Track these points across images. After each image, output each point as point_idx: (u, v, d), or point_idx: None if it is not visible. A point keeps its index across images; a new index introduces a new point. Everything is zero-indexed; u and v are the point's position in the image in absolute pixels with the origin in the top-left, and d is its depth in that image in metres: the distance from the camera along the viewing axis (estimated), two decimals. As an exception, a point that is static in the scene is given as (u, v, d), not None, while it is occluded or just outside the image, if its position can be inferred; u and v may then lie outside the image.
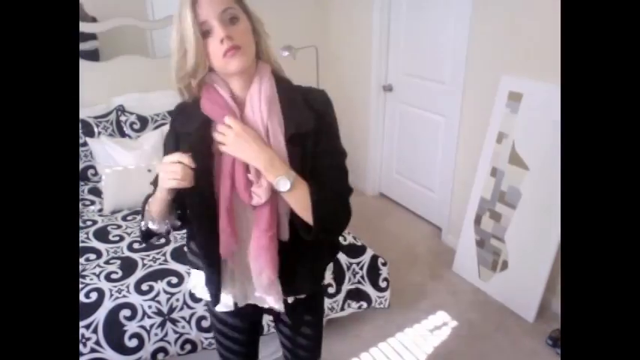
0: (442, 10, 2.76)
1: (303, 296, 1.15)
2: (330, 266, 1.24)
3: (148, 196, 1.09)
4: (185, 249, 1.19)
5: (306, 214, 0.97)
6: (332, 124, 1.04)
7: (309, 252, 1.07)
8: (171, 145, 1.07)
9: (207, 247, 1.03)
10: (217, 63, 0.95)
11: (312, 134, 0.99)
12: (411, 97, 3.18)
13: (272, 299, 1.06)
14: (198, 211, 1.02)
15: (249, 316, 1.23)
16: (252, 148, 0.95)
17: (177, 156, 0.94)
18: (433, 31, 2.87)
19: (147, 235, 1.11)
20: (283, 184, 0.94)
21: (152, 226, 1.06)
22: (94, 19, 2.96)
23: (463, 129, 2.74)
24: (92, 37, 3.00)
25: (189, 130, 1.01)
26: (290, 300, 1.14)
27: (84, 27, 2.83)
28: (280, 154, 0.97)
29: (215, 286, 1.07)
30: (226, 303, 1.15)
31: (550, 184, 2.14)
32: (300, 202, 0.97)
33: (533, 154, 2.22)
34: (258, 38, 1.00)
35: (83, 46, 2.97)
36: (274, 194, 0.97)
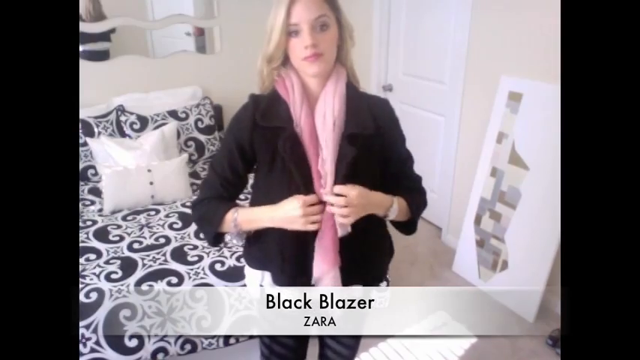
0: (442, 10, 2.76)
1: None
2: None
3: (220, 213, 1.09)
4: (230, 240, 1.17)
5: (404, 218, 1.12)
6: (400, 131, 1.16)
7: (371, 247, 1.14)
8: (246, 134, 1.06)
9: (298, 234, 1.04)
10: (297, 63, 1.01)
11: (374, 141, 1.05)
12: (410, 97, 3.18)
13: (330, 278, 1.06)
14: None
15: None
16: (375, 202, 1.04)
17: (315, 197, 0.99)
18: (433, 31, 2.87)
19: (217, 241, 1.16)
20: (393, 212, 1.07)
21: (236, 240, 1.12)
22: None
23: (463, 129, 2.74)
24: (105, 37, 3.01)
25: (274, 124, 1.03)
26: (357, 294, 1.15)
27: (83, 27, 2.83)
28: (333, 148, 1.01)
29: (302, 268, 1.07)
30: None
31: (550, 184, 2.14)
32: (403, 214, 1.11)
33: (533, 154, 2.22)
34: (342, 43, 1.04)
35: (94, 46, 2.98)
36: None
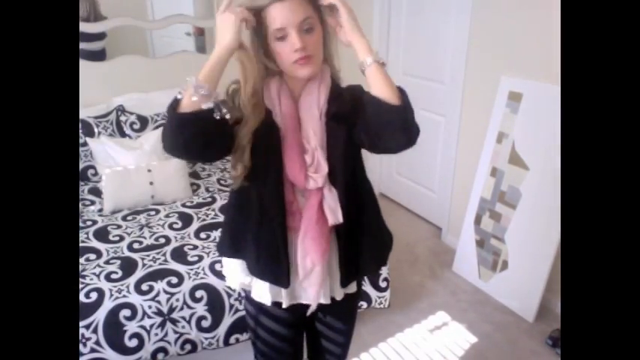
0: (442, 10, 2.76)
1: (350, 291, 1.16)
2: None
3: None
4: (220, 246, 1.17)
5: (389, 90, 0.99)
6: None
7: (369, 233, 1.13)
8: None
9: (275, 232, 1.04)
10: (286, 67, 0.99)
11: (352, 115, 1.02)
12: (411, 97, 3.17)
13: (312, 290, 1.06)
14: (271, 189, 1.03)
15: (297, 310, 1.19)
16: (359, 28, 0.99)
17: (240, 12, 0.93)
18: (433, 31, 2.87)
19: (174, 108, 0.96)
20: (372, 56, 0.98)
21: (202, 91, 0.92)
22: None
23: (463, 129, 2.74)
24: (100, 36, 3.01)
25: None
26: (340, 297, 1.14)
27: (84, 27, 2.83)
28: (321, 136, 1.02)
29: (280, 270, 1.06)
30: (265, 292, 1.13)
31: (550, 184, 2.14)
32: (383, 76, 0.99)
33: (533, 154, 2.22)
34: (327, 42, 1.04)
35: (90, 45, 2.98)
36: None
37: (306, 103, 1.03)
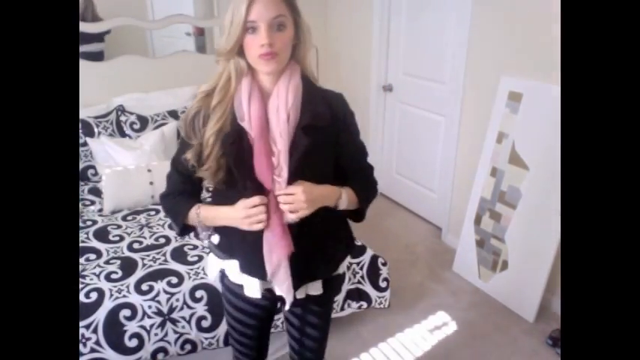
0: (442, 10, 2.76)
1: (315, 293, 1.21)
2: (345, 262, 1.29)
3: (184, 209, 1.17)
4: (212, 241, 1.22)
5: (354, 207, 1.18)
6: (354, 124, 1.19)
7: (323, 236, 1.17)
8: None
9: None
10: (251, 59, 1.03)
11: (326, 129, 1.09)
12: (411, 97, 3.18)
13: (282, 285, 1.11)
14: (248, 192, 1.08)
15: (267, 306, 1.27)
16: (322, 196, 1.09)
17: (257, 199, 1.04)
18: (433, 31, 2.87)
19: (184, 233, 1.25)
20: (342, 203, 1.13)
21: (202, 232, 1.17)
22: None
23: (463, 129, 2.74)
24: (99, 39, 3.01)
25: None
26: (300, 295, 1.18)
27: (83, 27, 2.83)
28: (287, 140, 1.05)
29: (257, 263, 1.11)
30: (256, 287, 1.18)
31: (550, 184, 2.14)
32: (353, 203, 1.17)
33: (533, 154, 2.22)
34: (299, 43, 1.07)
35: (89, 47, 2.98)
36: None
37: (274, 106, 1.05)
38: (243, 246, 1.13)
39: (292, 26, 1.04)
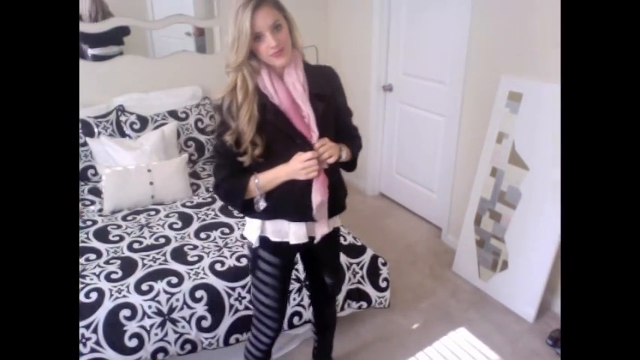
0: (442, 10, 2.76)
1: (337, 225, 1.54)
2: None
3: (243, 184, 1.35)
4: (260, 207, 1.38)
5: (348, 159, 1.43)
6: (343, 90, 1.46)
7: (337, 181, 1.46)
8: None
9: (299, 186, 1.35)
10: (266, 59, 1.27)
11: (330, 97, 1.38)
12: (411, 97, 3.18)
13: (322, 220, 1.40)
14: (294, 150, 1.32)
15: (288, 253, 1.50)
16: (335, 151, 1.34)
17: (311, 154, 1.29)
18: (433, 31, 2.87)
19: (246, 208, 1.40)
20: (344, 154, 1.39)
21: (260, 201, 1.36)
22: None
23: (463, 129, 2.74)
24: (118, 41, 3.04)
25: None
26: (329, 229, 1.44)
27: (84, 27, 2.84)
28: (309, 105, 1.31)
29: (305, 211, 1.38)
30: (302, 231, 1.41)
31: (550, 184, 2.14)
32: (348, 156, 1.42)
33: (533, 154, 2.22)
34: (292, 32, 1.30)
35: (109, 50, 3.01)
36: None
37: (290, 82, 1.31)
38: (293, 198, 1.36)
39: (285, 22, 1.27)
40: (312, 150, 1.30)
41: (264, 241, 1.45)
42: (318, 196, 1.35)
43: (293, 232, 1.41)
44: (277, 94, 1.30)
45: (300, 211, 1.39)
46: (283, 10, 1.28)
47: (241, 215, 2.27)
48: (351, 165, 1.50)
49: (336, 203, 1.47)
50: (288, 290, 1.69)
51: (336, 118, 1.42)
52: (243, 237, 1.54)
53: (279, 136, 1.31)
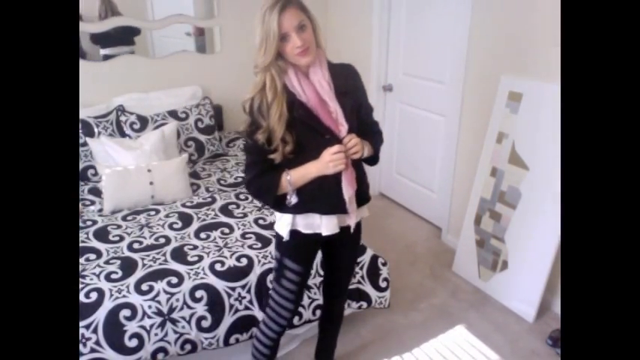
0: (442, 10, 2.76)
1: (365, 215, 1.59)
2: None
3: (276, 181, 1.39)
4: (292, 201, 1.43)
5: (371, 154, 1.49)
6: (364, 87, 1.52)
7: (361, 174, 1.51)
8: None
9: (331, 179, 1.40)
10: (292, 58, 1.32)
11: (352, 93, 1.44)
12: (411, 97, 3.18)
13: (352, 211, 1.45)
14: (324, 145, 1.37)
15: (315, 245, 1.58)
16: (360, 147, 1.38)
17: (338, 147, 1.34)
18: (433, 31, 2.87)
19: (278, 204, 1.45)
20: (367, 150, 1.45)
21: (292, 196, 1.41)
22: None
23: (463, 129, 2.74)
24: (128, 41, 3.06)
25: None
26: (357, 219, 1.53)
27: (84, 27, 2.84)
28: (336, 101, 1.36)
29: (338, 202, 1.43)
30: (333, 223, 1.46)
31: (550, 184, 2.14)
32: (369, 151, 1.48)
33: (533, 154, 2.22)
34: (315, 31, 1.35)
35: (116, 50, 3.03)
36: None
37: (315, 80, 1.36)
38: (323, 192, 1.41)
39: (309, 22, 1.31)
40: (340, 144, 1.36)
41: (294, 234, 1.49)
42: (350, 189, 1.42)
43: (325, 225, 1.46)
44: (305, 92, 1.34)
45: (332, 205, 1.44)
46: (307, 11, 1.32)
47: (241, 215, 2.27)
48: (372, 160, 1.55)
49: (362, 195, 1.52)
50: (307, 286, 1.79)
51: (358, 114, 1.47)
52: (274, 231, 1.60)
53: (308, 133, 1.36)
